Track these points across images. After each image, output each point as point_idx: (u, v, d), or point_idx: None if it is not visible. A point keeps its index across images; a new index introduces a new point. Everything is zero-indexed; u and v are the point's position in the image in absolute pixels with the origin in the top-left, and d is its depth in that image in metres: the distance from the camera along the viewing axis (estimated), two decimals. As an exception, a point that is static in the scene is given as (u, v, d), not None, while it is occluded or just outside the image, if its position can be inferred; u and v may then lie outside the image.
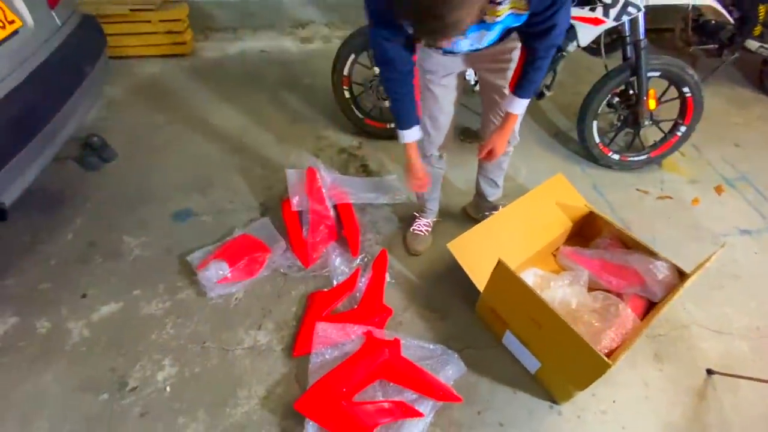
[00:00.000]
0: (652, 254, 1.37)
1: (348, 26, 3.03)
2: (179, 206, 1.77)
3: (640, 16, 1.66)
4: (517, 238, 1.46)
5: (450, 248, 1.37)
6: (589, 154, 2.04)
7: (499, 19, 0.90)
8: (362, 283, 1.45)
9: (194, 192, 1.84)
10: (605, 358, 0.93)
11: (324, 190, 1.66)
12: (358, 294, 1.43)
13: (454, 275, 1.46)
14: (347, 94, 2.06)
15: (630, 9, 1.60)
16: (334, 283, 1.46)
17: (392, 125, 2.13)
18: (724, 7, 2.47)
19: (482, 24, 0.92)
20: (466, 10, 0.68)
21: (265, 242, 1.57)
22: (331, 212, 1.65)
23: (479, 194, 1.68)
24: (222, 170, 1.95)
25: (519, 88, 1.11)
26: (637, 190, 1.96)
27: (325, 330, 1.25)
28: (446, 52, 1.12)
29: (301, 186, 1.65)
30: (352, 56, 1.95)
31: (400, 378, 1.18)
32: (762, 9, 2.37)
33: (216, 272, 1.44)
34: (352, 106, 2.10)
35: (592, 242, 1.57)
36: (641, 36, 1.70)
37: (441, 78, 1.21)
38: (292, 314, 1.40)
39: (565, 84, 2.52)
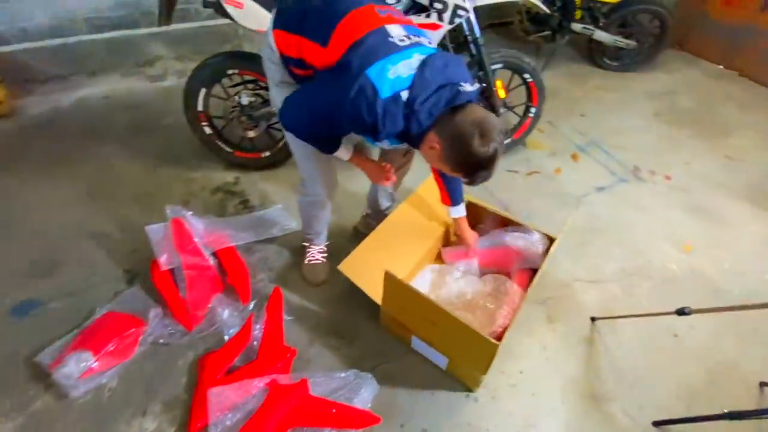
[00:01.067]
0: (526, 229, 1.58)
1: (200, 55, 2.96)
2: (18, 299, 1.54)
3: (471, 17, 1.92)
4: (406, 244, 1.57)
5: (342, 269, 1.42)
6: (463, 147, 2.28)
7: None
8: (258, 329, 1.42)
9: (36, 277, 1.61)
10: (492, 339, 1.05)
11: (197, 239, 1.58)
12: (255, 343, 1.39)
13: (355, 295, 1.50)
14: (208, 130, 2.02)
15: (460, 12, 1.84)
16: (226, 338, 1.40)
17: (267, 153, 2.13)
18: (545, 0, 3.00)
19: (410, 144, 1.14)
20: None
21: (137, 315, 1.45)
22: (211, 261, 1.58)
23: (373, 208, 1.76)
24: (70, 244, 1.75)
25: (454, 199, 1.49)
26: (508, 171, 2.25)
27: (219, 394, 1.19)
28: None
29: (168, 241, 1.56)
30: (203, 90, 1.92)
31: (313, 419, 1.18)
32: (578, -4, 2.91)
33: (77, 366, 1.28)
34: (218, 141, 2.06)
35: (475, 228, 1.74)
36: (477, 34, 1.96)
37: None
38: (183, 387, 1.31)
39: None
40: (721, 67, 3.40)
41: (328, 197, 1.47)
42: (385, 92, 0.93)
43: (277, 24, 1.13)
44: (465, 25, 1.94)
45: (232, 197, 2.01)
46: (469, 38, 1.98)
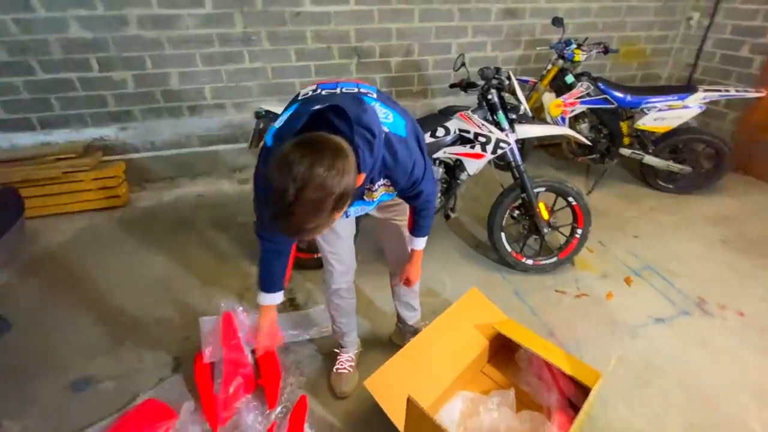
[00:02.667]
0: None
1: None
2: (79, 374, 1.64)
3: (514, 148, 2.01)
4: (439, 363, 1.46)
5: (367, 386, 1.34)
6: (506, 262, 2.22)
7: (375, 198, 1.12)
8: (278, 439, 1.34)
9: (100, 354, 1.73)
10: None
11: (241, 335, 1.62)
12: (273, 455, 1.31)
13: (381, 414, 1.39)
14: (272, 231, 2.20)
15: (502, 144, 1.95)
16: (246, 446, 1.34)
17: (320, 255, 2.24)
18: (593, 126, 3.08)
19: (362, 201, 1.13)
20: (319, 221, 0.78)
21: (173, 406, 1.45)
22: (249, 358, 1.59)
23: (399, 320, 1.72)
24: (137, 325, 1.89)
25: (415, 231, 1.35)
26: (556, 291, 2.10)
27: None
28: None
29: (216, 334, 1.62)
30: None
31: None
32: (623, 124, 2.96)
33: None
34: (278, 241, 2.22)
35: (516, 354, 1.59)
36: (519, 162, 2.03)
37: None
38: (194, 496, 1.23)
39: (480, 198, 2.85)
40: (795, 193, 3.10)
41: (338, 283, 1.45)
42: (268, 141, 1.00)
43: None
44: (509, 155, 2.04)
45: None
46: (513, 165, 2.05)
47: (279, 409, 1.47)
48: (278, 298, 1.26)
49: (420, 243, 1.37)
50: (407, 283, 1.46)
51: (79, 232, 2.62)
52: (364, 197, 1.12)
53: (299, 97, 1.09)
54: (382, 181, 1.09)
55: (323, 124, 0.84)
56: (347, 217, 1.24)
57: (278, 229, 0.78)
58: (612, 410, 1.49)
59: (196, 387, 1.53)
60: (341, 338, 1.62)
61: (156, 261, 2.33)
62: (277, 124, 0.99)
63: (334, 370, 1.59)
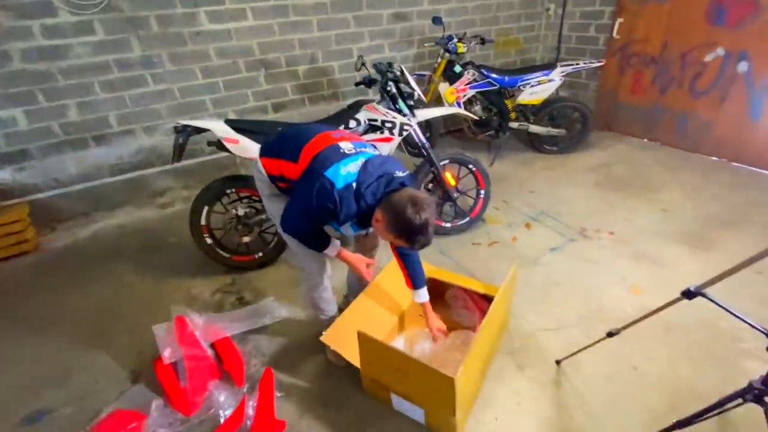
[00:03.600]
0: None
1: (204, 184, 3.44)
2: (30, 408, 1.65)
3: (416, 129, 2.39)
4: (381, 312, 1.76)
5: (324, 340, 1.59)
6: (429, 229, 2.60)
7: None
8: (251, 408, 1.53)
9: (50, 387, 1.75)
10: (445, 373, 1.20)
11: (197, 333, 1.77)
12: (248, 422, 1.49)
13: (339, 369, 1.65)
14: (210, 241, 2.34)
15: (406, 127, 2.33)
16: (222, 420, 1.50)
17: (260, 254, 2.43)
18: (485, 108, 3.64)
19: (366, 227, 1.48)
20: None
21: (140, 410, 1.56)
22: (209, 351, 1.75)
23: (351, 290, 1.99)
24: (81, 355, 1.91)
25: (414, 283, 1.66)
26: (473, 244, 2.53)
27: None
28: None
29: (172, 337, 1.74)
30: (206, 208, 2.29)
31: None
32: (508, 102, 3.56)
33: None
34: (217, 249, 2.36)
35: (445, 295, 1.95)
36: (423, 141, 2.43)
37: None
38: (181, 472, 1.37)
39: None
40: (645, 140, 3.96)
41: (322, 277, 1.69)
42: (339, 184, 1.28)
43: (263, 153, 1.56)
44: (413, 135, 2.42)
45: (229, 296, 2.23)
46: (419, 144, 2.44)
47: (247, 385, 1.65)
48: (335, 248, 1.53)
49: (423, 294, 1.68)
50: (440, 334, 1.72)
51: (-13, 285, 2.48)
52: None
53: (346, 153, 1.36)
54: None
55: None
56: (352, 232, 1.56)
57: (418, 242, 1.27)
58: (522, 320, 1.91)
59: (160, 389, 1.65)
60: (327, 320, 1.82)
61: (89, 294, 2.32)
62: (344, 174, 1.30)
63: (328, 347, 1.75)
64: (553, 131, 3.60)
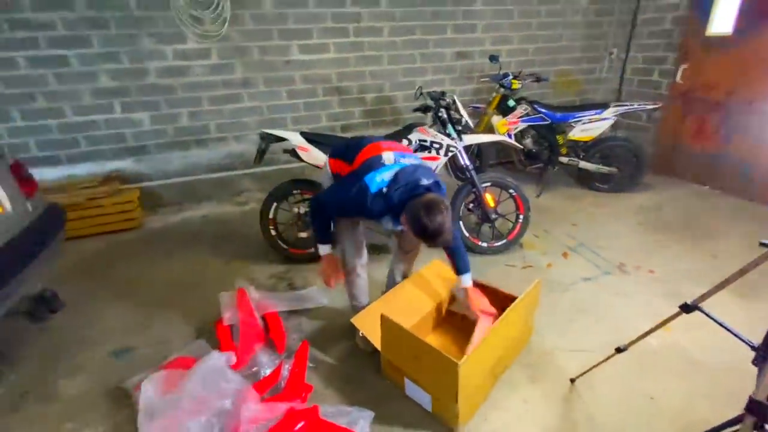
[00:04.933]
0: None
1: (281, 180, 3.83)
2: (118, 346, 1.99)
3: (462, 152, 2.53)
4: (410, 306, 1.88)
5: (354, 322, 1.74)
6: (466, 247, 2.66)
7: None
8: (286, 371, 1.71)
9: (134, 332, 2.08)
10: (451, 357, 1.29)
11: (253, 304, 2.02)
12: (282, 383, 1.67)
13: (364, 354, 1.78)
14: (273, 232, 2.63)
15: (451, 149, 2.48)
16: (261, 377, 1.70)
17: (312, 250, 2.67)
18: (536, 141, 3.68)
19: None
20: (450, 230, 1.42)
21: (199, 359, 1.81)
22: (260, 321, 1.97)
23: (390, 284, 2.13)
24: (161, 311, 2.24)
25: (458, 270, 1.78)
26: (506, 265, 2.56)
27: (251, 410, 1.45)
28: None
29: (233, 304, 2.01)
30: (275, 204, 2.60)
31: (320, 436, 1.38)
32: (559, 137, 3.57)
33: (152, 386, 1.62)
34: (278, 240, 2.65)
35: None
36: (467, 163, 2.55)
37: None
38: (224, 412, 1.58)
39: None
40: (706, 187, 3.70)
41: (355, 262, 1.87)
42: (373, 189, 1.49)
43: (332, 155, 1.84)
44: (459, 158, 2.56)
45: (282, 281, 2.48)
46: (463, 165, 2.57)
47: (286, 353, 1.84)
48: (329, 247, 1.76)
49: (467, 280, 1.79)
50: (480, 311, 1.79)
51: (102, 249, 2.99)
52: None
53: (384, 163, 1.58)
54: None
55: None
56: (393, 227, 1.72)
57: (435, 242, 1.41)
58: (544, 337, 1.91)
59: (217, 345, 1.90)
60: (359, 308, 1.94)
61: (172, 266, 2.71)
62: (378, 181, 1.51)
63: (360, 335, 1.88)
64: (604, 169, 3.52)
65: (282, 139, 2.50)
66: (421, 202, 1.40)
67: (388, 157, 1.60)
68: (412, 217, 1.41)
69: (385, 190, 1.49)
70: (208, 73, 3.32)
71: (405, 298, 1.90)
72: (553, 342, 1.89)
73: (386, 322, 1.54)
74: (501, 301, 1.82)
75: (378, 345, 1.67)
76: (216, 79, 3.36)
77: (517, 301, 1.62)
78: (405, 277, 2.13)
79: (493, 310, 1.80)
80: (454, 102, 2.53)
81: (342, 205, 1.59)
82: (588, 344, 1.87)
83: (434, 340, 1.90)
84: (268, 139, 2.51)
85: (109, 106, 3.19)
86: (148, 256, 2.85)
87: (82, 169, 3.31)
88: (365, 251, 1.90)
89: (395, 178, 1.51)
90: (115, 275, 2.61)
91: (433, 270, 2.10)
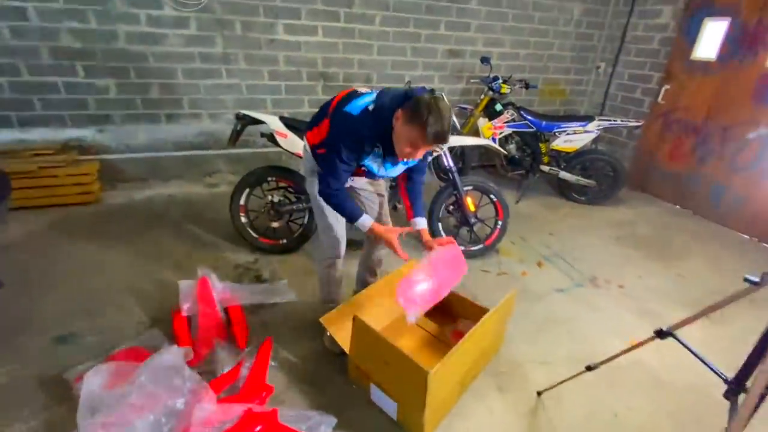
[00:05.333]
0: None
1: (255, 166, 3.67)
2: (62, 330, 1.83)
3: (445, 153, 2.48)
4: (382, 307, 1.82)
5: (323, 321, 1.67)
6: (443, 249, 2.65)
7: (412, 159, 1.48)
8: (246, 370, 1.62)
9: (81, 317, 1.93)
10: (422, 366, 1.25)
11: (215, 295, 1.90)
12: (241, 382, 1.58)
13: (330, 355, 1.72)
14: (243, 219, 2.51)
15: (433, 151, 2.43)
16: (218, 374, 1.60)
17: (284, 240, 2.57)
18: (519, 147, 3.69)
19: (400, 163, 1.54)
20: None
21: (151, 350, 1.69)
22: (221, 314, 1.87)
23: (360, 283, 2.07)
24: (114, 295, 2.09)
25: (418, 212, 1.70)
26: (482, 270, 2.55)
27: (204, 410, 1.36)
28: (378, 176, 1.65)
29: (193, 293, 1.89)
30: (248, 190, 2.48)
31: (277, 443, 1.30)
32: (542, 145, 3.59)
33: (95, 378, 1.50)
34: (248, 228, 2.53)
35: (458, 319, 1.97)
36: (450, 165, 2.51)
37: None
38: (174, 410, 1.47)
39: (426, 197, 3.31)
40: (678, 207, 3.84)
41: (335, 252, 1.78)
42: (355, 111, 1.40)
43: (307, 128, 1.64)
44: (442, 159, 2.51)
45: (249, 272, 2.37)
46: (446, 167, 2.53)
47: (247, 349, 1.75)
48: (369, 218, 1.55)
49: (422, 222, 1.70)
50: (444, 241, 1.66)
51: (53, 223, 2.76)
52: (408, 160, 1.48)
53: (362, 92, 1.47)
54: None
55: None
56: (385, 172, 1.58)
57: (434, 130, 1.26)
58: (515, 347, 1.91)
59: (174, 337, 1.78)
60: (332, 304, 1.88)
61: (130, 248, 2.54)
62: (360, 104, 1.40)
63: (327, 334, 1.80)
64: (583, 181, 3.58)
65: (260, 122, 2.37)
66: (426, 96, 1.29)
67: (364, 90, 1.50)
68: (414, 104, 1.28)
69: (371, 107, 1.38)
70: (185, 44, 3.12)
71: (377, 298, 1.85)
72: (523, 352, 1.89)
73: (358, 324, 1.48)
74: (475, 313, 1.80)
75: (346, 347, 1.61)
76: (193, 51, 3.16)
77: (491, 312, 1.60)
78: (374, 274, 2.07)
79: (452, 240, 1.69)
80: (442, 100, 2.47)
81: (342, 157, 1.41)
82: (557, 357, 1.88)
83: (405, 343, 1.86)
84: (245, 120, 2.38)
85: (71, 69, 2.94)
86: (104, 234, 2.66)
87: (36, 135, 3.05)
88: (344, 244, 1.82)
89: (380, 93, 1.41)
90: (65, 253, 2.42)
91: (406, 269, 2.05)
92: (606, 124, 3.38)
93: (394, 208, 2.72)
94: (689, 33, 3.61)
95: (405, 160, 1.45)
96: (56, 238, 2.58)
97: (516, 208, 3.50)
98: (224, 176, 3.68)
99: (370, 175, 1.64)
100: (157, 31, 3.03)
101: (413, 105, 1.29)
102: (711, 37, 3.46)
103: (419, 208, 1.71)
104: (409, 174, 1.70)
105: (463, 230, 2.70)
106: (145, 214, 2.99)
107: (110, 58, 3.00)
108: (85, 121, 3.13)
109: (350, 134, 1.40)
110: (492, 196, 2.62)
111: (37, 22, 2.75)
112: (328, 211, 1.67)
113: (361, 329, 1.47)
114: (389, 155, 1.47)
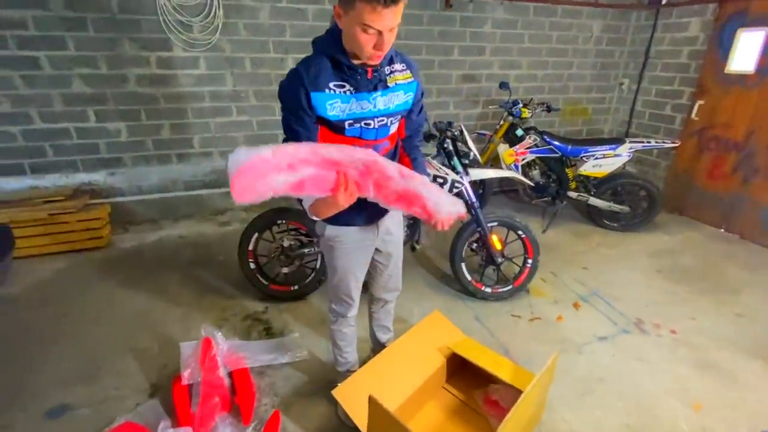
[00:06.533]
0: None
1: (264, 209, 3.56)
2: (55, 402, 1.69)
3: (468, 187, 2.30)
4: (401, 376, 1.61)
5: (335, 395, 1.47)
6: (468, 291, 2.43)
7: (396, 83, 1.21)
8: (251, 452, 1.42)
9: (77, 383, 1.78)
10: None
11: (219, 358, 1.73)
12: (246, 467, 1.39)
13: (348, 428, 1.50)
14: (252, 266, 2.36)
15: (456, 184, 2.25)
16: (221, 458, 1.41)
17: (296, 287, 2.40)
18: (543, 173, 3.47)
19: (385, 90, 1.20)
20: None
21: (149, 427, 1.52)
22: (226, 380, 1.69)
23: (374, 342, 1.87)
24: (114, 355, 1.95)
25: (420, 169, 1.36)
26: (512, 315, 2.31)
27: None
28: (363, 134, 1.21)
29: (195, 358, 1.72)
30: (256, 234, 2.34)
31: None
32: (568, 171, 3.36)
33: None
34: (258, 275, 2.38)
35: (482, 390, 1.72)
36: (474, 200, 2.32)
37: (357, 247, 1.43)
38: (168, 508, 1.29)
39: (446, 235, 3.10)
40: (722, 230, 3.50)
41: (344, 312, 1.56)
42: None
43: None
44: (464, 194, 2.32)
45: (258, 324, 2.20)
46: (468, 203, 2.34)
47: (253, 424, 1.56)
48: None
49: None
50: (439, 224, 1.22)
51: (60, 271, 2.69)
52: (388, 83, 1.20)
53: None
54: (399, 65, 1.23)
55: None
56: (374, 109, 1.20)
57: None
58: (557, 415, 1.65)
59: (173, 409, 1.61)
60: (348, 367, 1.70)
61: (136, 297, 2.42)
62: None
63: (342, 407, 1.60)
64: (616, 207, 3.31)
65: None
66: None
67: None
68: None
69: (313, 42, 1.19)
70: (195, 84, 3.09)
71: (398, 364, 1.63)
72: (568, 422, 1.63)
73: (374, 406, 1.27)
74: (509, 375, 1.57)
75: (362, 425, 1.40)
76: (202, 90, 3.12)
77: (534, 382, 1.36)
78: (388, 330, 1.85)
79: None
80: (461, 133, 2.31)
81: (287, 106, 1.16)
82: (607, 427, 1.61)
83: (432, 411, 1.63)
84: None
85: (83, 114, 2.93)
86: (111, 282, 2.56)
87: (48, 181, 3.03)
88: (357, 298, 1.57)
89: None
90: (68, 304, 2.32)
91: (432, 323, 1.84)
92: (639, 146, 3.14)
93: (412, 249, 2.52)
94: (722, 45, 3.37)
95: (374, 60, 1.11)
96: (61, 288, 2.49)
97: (543, 237, 3.25)
98: (236, 214, 3.58)
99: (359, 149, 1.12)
100: (167, 73, 3.00)
101: None
102: (747, 49, 3.21)
103: (421, 166, 1.39)
104: (408, 134, 1.41)
105: (489, 269, 2.48)
106: (154, 257, 2.89)
107: (121, 102, 2.98)
108: (96, 164, 3.10)
109: (288, 77, 1.15)
110: (520, 233, 2.40)
111: (49, 70, 2.76)
112: (339, 254, 1.43)
113: (377, 412, 1.27)
114: (360, 90, 1.16)
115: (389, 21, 1.03)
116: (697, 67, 3.62)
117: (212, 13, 2.91)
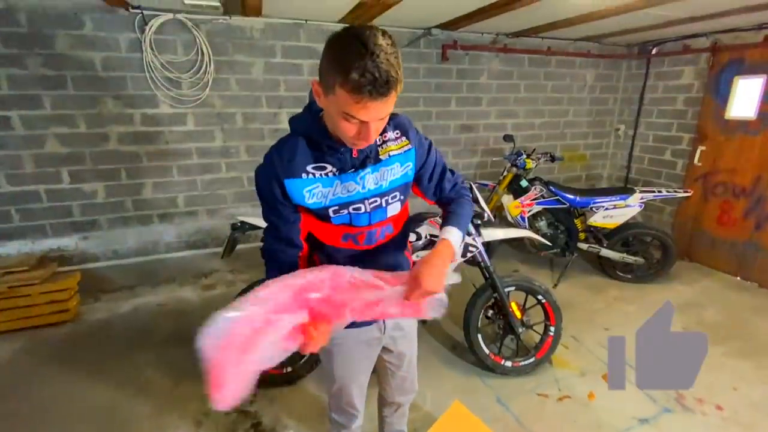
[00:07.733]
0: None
1: (252, 270, 3.35)
2: None
3: (482, 251, 2.14)
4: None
5: None
6: (485, 366, 2.19)
7: (389, 154, 1.04)
8: None
9: None
10: None
11: (199, 476, 1.45)
12: None
13: None
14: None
15: (471, 248, 2.10)
16: None
17: (289, 369, 2.13)
18: (551, 223, 3.36)
19: (379, 163, 1.03)
20: (399, 72, 0.82)
21: None
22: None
23: None
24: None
25: (449, 219, 1.13)
26: (538, 394, 2.07)
27: None
28: (354, 212, 1.05)
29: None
30: (244, 307, 2.10)
31: None
32: (577, 221, 3.26)
33: None
34: (246, 355, 2.11)
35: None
36: (488, 263, 2.16)
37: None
38: None
39: (457, 299, 2.90)
40: (738, 278, 3.39)
41: (346, 423, 1.34)
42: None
43: None
44: (478, 257, 2.16)
45: (245, 419, 1.91)
46: (482, 266, 2.17)
47: None
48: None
49: (451, 232, 1.08)
50: (416, 291, 1.01)
51: (16, 353, 2.37)
52: (380, 155, 1.03)
53: None
54: (393, 133, 1.05)
55: None
56: (363, 190, 1.04)
57: (366, 72, 0.78)
58: None
59: None
60: None
61: (100, 386, 2.11)
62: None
63: None
64: (630, 259, 3.18)
65: (260, 227, 2.08)
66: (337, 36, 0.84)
67: None
68: (328, 49, 0.84)
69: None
70: (182, 140, 2.97)
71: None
72: None
73: None
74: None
75: None
76: (190, 147, 2.99)
77: None
78: (402, 425, 1.61)
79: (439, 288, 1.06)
80: (472, 191, 2.19)
81: (264, 197, 1.04)
82: None
83: None
84: (242, 229, 2.09)
85: (56, 175, 2.75)
86: (73, 366, 2.25)
87: (11, 248, 2.79)
88: (362, 407, 1.37)
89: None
90: (19, 397, 2.00)
91: (453, 420, 1.59)
92: (650, 196, 3.07)
93: (423, 322, 2.31)
94: (719, 92, 3.44)
95: (360, 146, 0.96)
96: (13, 377, 2.17)
97: (556, 293, 3.06)
98: (222, 275, 3.34)
99: (354, 239, 1.08)
100: (152, 130, 2.88)
101: (327, 52, 0.84)
102: (745, 96, 3.27)
103: (456, 214, 1.14)
104: (436, 199, 1.23)
105: (507, 339, 2.27)
106: (127, 332, 2.60)
107: (100, 161, 2.82)
108: (68, 228, 2.88)
109: (262, 164, 1.02)
110: (540, 297, 2.22)
111: (21, 130, 2.61)
112: (338, 360, 1.22)
113: None
114: (345, 170, 1.01)
115: (377, 113, 0.86)
116: (694, 114, 3.68)
117: (203, 69, 2.85)
